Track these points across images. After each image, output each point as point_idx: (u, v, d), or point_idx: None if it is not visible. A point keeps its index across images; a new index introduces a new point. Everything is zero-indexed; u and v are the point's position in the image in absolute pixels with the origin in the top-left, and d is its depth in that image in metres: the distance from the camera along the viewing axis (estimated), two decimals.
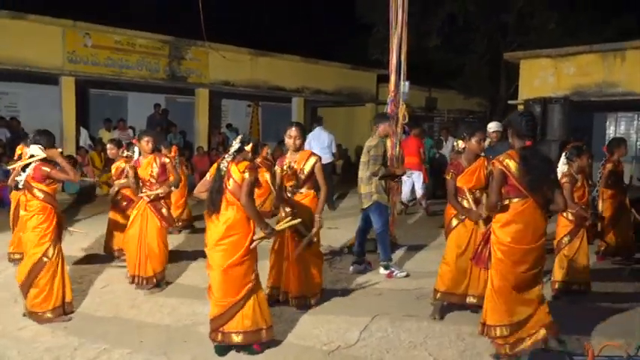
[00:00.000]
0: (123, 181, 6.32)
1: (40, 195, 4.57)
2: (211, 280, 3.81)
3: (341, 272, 6.09)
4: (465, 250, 4.50)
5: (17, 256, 6.02)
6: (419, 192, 9.72)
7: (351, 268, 6.08)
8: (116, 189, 6.43)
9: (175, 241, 7.68)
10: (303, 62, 16.17)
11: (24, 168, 4.64)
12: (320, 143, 9.57)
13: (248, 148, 3.84)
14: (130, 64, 12.70)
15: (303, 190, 4.81)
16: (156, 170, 5.54)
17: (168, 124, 14.42)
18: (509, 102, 14.41)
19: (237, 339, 3.78)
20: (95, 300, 5.15)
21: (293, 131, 4.78)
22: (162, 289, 5.45)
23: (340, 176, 14.94)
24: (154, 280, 5.40)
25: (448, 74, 19.31)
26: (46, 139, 4.67)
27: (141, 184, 5.62)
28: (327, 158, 9.11)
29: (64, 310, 4.65)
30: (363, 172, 5.83)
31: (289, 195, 4.82)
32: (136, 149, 5.82)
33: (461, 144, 4.69)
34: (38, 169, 4.57)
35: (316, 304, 4.89)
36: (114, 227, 6.50)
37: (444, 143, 12.46)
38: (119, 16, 13.21)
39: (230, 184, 3.73)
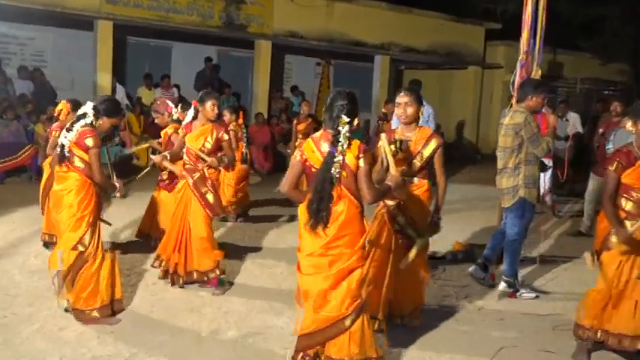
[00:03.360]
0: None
1: (81, 165, 4.69)
2: (309, 287, 3.76)
3: (447, 285, 5.99)
4: (629, 278, 4.27)
5: (47, 238, 6.33)
6: (545, 185, 9.40)
7: (471, 268, 6.06)
8: (155, 160, 6.48)
9: (230, 232, 7.82)
10: (391, 11, 15.94)
11: (69, 129, 4.78)
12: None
13: (356, 123, 3.71)
14: (178, 7, 12.92)
15: (415, 179, 4.69)
16: (209, 144, 5.58)
17: (220, 84, 14.63)
18: None
19: None
20: (147, 299, 5.31)
21: (402, 97, 4.64)
22: (224, 289, 5.55)
23: None
24: (205, 278, 5.50)
25: (580, 31, 18.48)
26: (109, 108, 4.81)
27: (184, 155, 5.68)
28: None
29: (113, 310, 4.81)
30: (506, 160, 5.67)
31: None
32: (190, 111, 5.83)
33: (628, 125, 4.45)
34: (84, 136, 4.68)
35: (413, 324, 4.81)
36: (151, 209, 6.66)
37: (563, 121, 11.94)
38: None
39: (344, 174, 3.64)
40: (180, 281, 5.55)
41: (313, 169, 3.73)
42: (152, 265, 5.79)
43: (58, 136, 6.17)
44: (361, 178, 3.63)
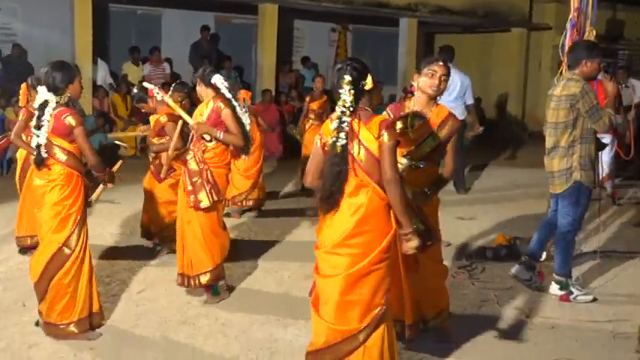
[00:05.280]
0: (163, 140, 6.42)
1: (63, 157, 4.66)
2: (323, 293, 3.73)
3: (487, 289, 5.93)
4: None
5: (29, 242, 6.31)
6: (604, 167, 9.26)
7: (514, 268, 6.00)
8: (153, 153, 6.53)
9: (233, 228, 7.77)
10: None
11: (39, 115, 4.72)
12: (448, 90, 9.16)
13: (368, 83, 3.66)
14: None
15: (423, 164, 4.53)
16: (205, 116, 5.52)
17: (219, 57, 14.61)
18: None
19: None
20: (132, 310, 5.29)
21: (441, 66, 4.49)
22: (219, 297, 5.54)
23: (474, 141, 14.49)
24: (197, 282, 5.49)
25: None
26: (64, 75, 4.72)
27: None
28: (457, 114, 8.81)
29: (91, 323, 4.79)
30: (557, 138, 5.62)
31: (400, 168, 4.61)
32: None
33: None
34: (60, 118, 4.64)
35: (441, 327, 4.74)
36: (149, 204, 6.69)
37: (623, 89, 11.76)
38: None
39: (361, 157, 3.60)
40: (187, 282, 5.53)
41: (325, 148, 3.70)
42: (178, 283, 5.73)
43: (24, 120, 6.20)
44: (384, 153, 3.57)
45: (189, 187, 5.41)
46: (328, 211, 3.63)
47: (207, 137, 5.45)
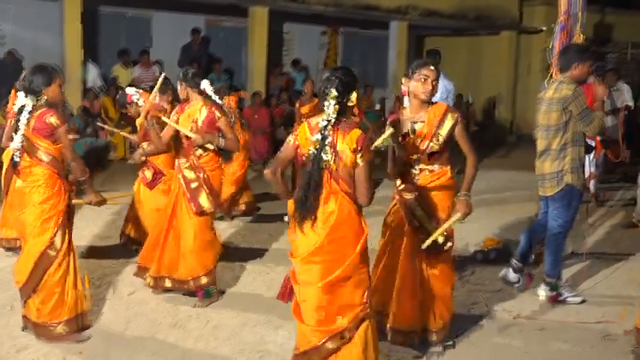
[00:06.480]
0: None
1: (45, 158, 4.67)
2: (302, 299, 3.78)
3: (477, 291, 5.96)
4: None
5: (17, 243, 6.24)
6: (587, 168, 9.29)
7: (503, 271, 6.05)
8: (142, 157, 6.49)
9: (225, 232, 7.78)
10: None
11: (17, 119, 4.71)
12: None
13: (353, 99, 3.71)
14: None
15: (435, 166, 4.60)
16: (200, 123, 5.53)
17: (210, 60, 14.61)
18: None
19: None
20: (121, 312, 5.29)
21: (431, 70, 4.50)
22: (209, 300, 5.54)
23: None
24: (189, 287, 5.53)
25: None
26: (42, 78, 4.69)
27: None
28: None
29: (80, 324, 4.78)
30: (549, 141, 5.62)
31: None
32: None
33: None
34: (42, 118, 4.63)
35: (441, 342, 4.73)
36: (135, 209, 6.65)
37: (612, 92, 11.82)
38: None
39: (335, 166, 3.64)
40: (159, 283, 5.56)
41: (304, 158, 3.72)
42: (135, 275, 5.81)
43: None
44: (359, 178, 3.65)
45: (189, 195, 5.44)
46: (303, 220, 3.66)
47: (211, 147, 5.50)
